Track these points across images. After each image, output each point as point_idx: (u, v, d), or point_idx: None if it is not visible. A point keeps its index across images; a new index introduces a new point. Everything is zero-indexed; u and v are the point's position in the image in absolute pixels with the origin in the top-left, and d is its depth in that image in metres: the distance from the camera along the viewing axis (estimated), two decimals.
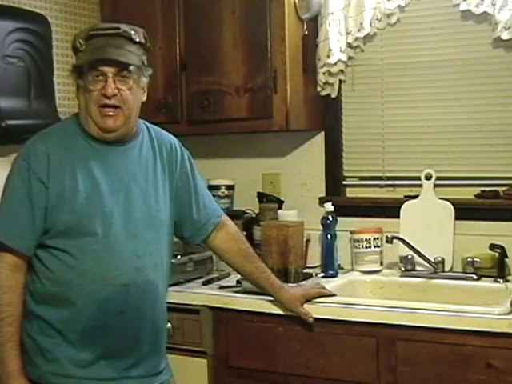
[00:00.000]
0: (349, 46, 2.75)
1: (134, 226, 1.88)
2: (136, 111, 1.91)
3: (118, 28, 1.85)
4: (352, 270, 2.71)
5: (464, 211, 2.58)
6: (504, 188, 2.57)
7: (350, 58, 2.78)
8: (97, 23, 1.90)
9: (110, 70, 1.82)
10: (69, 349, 1.81)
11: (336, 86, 2.81)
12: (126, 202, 1.88)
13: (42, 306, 1.83)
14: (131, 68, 1.85)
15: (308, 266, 2.77)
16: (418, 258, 2.56)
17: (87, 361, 1.82)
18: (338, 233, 2.67)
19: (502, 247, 2.42)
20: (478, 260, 2.46)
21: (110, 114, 1.84)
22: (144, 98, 1.95)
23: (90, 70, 1.82)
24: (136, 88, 1.88)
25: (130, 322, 1.86)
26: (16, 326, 1.81)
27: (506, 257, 2.44)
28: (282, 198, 2.96)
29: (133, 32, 1.86)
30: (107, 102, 1.83)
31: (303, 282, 2.49)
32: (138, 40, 1.87)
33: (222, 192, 3.01)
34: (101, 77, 1.82)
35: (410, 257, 2.58)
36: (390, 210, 2.70)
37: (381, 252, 2.68)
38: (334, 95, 2.83)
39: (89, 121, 1.86)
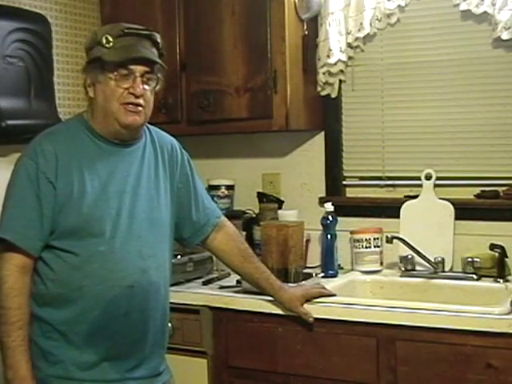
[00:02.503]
0: (349, 46, 2.75)
1: (139, 227, 1.88)
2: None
3: (151, 30, 1.89)
4: (352, 270, 2.71)
5: (464, 211, 2.58)
6: (504, 188, 2.57)
7: (350, 58, 2.78)
8: (123, 23, 1.91)
9: (138, 70, 1.84)
10: (72, 351, 1.81)
11: (336, 86, 2.81)
12: (131, 204, 1.88)
13: (44, 308, 1.82)
14: (155, 69, 1.88)
15: (308, 265, 2.76)
16: (418, 258, 2.56)
17: (90, 363, 1.82)
18: (338, 233, 2.67)
19: (502, 247, 2.42)
20: (478, 260, 2.46)
21: (134, 109, 1.85)
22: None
23: (119, 68, 1.83)
24: (153, 91, 1.91)
25: (133, 324, 1.86)
26: (26, 329, 1.78)
27: (506, 257, 2.44)
28: (282, 198, 2.96)
29: (157, 36, 1.91)
30: (134, 100, 1.84)
31: (303, 282, 2.49)
32: (159, 45, 1.91)
33: (222, 192, 3.01)
34: (128, 76, 1.83)
35: (409, 257, 2.58)
36: (390, 209, 2.70)
37: (381, 252, 2.68)
38: (333, 95, 2.83)
39: (108, 118, 1.85)
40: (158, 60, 1.88)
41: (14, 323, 1.75)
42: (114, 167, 1.88)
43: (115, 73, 1.83)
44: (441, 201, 2.61)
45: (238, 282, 2.43)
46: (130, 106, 1.84)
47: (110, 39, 1.83)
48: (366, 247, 2.66)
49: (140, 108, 1.86)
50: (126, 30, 1.85)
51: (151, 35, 1.88)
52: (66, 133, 1.90)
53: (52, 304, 1.81)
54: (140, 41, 1.86)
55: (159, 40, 1.91)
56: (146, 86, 1.86)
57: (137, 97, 1.84)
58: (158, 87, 1.93)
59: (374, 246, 2.66)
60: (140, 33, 1.87)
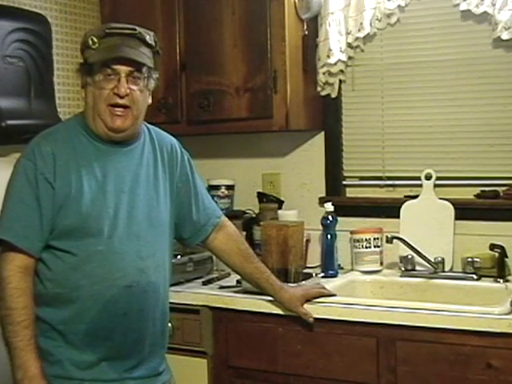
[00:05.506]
0: (349, 46, 2.75)
1: (137, 227, 1.88)
2: (143, 113, 1.92)
3: (135, 29, 1.86)
4: (352, 270, 2.71)
5: (464, 211, 2.58)
6: (504, 188, 2.57)
7: (350, 58, 2.78)
8: (110, 23, 1.90)
9: (123, 70, 1.82)
10: (71, 351, 1.81)
11: (336, 86, 2.81)
12: (130, 203, 1.88)
13: (42, 308, 1.81)
14: (143, 69, 1.86)
15: (308, 265, 2.76)
16: (418, 258, 2.56)
17: (89, 362, 1.82)
18: (338, 233, 2.67)
19: (502, 247, 2.42)
20: (477, 260, 2.46)
21: (120, 113, 1.84)
22: (149, 101, 1.96)
23: (103, 68, 1.82)
24: (145, 90, 1.89)
25: (132, 324, 1.86)
26: (32, 328, 1.77)
27: (506, 257, 2.44)
28: (282, 198, 2.96)
29: (146, 34, 1.88)
30: (119, 101, 1.83)
31: (303, 282, 2.49)
32: (150, 42, 1.89)
33: (222, 192, 3.01)
34: (113, 76, 1.82)
35: (409, 257, 2.58)
36: (390, 209, 2.70)
37: (381, 252, 2.68)
38: (333, 95, 2.83)
39: (96, 120, 1.86)
40: (142, 60, 1.84)
41: (19, 323, 1.75)
42: (111, 167, 1.88)
43: (99, 74, 1.82)
44: (441, 201, 2.61)
45: (238, 281, 2.43)
46: (116, 108, 1.83)
47: (95, 40, 1.82)
48: (366, 247, 2.66)
49: (126, 110, 1.84)
50: (108, 30, 1.84)
51: (135, 34, 1.85)
52: (64, 133, 1.90)
53: (50, 304, 1.81)
54: (125, 40, 1.84)
55: (149, 38, 1.88)
56: (133, 86, 1.84)
57: (121, 97, 1.82)
58: (152, 85, 1.92)
59: (374, 246, 2.66)
60: (122, 32, 1.84)
